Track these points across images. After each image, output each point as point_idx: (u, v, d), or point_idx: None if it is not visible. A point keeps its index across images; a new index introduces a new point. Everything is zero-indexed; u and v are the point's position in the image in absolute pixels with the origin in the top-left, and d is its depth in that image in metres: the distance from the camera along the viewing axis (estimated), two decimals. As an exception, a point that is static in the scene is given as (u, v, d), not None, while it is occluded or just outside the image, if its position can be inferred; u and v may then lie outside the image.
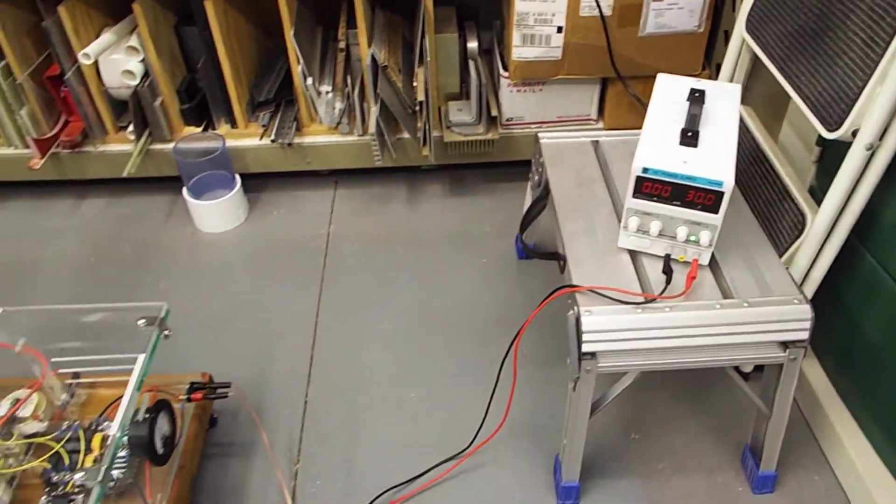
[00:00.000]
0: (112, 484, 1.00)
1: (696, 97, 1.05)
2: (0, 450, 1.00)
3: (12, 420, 1.04)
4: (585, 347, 0.95)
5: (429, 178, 1.82)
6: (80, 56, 1.48)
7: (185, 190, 1.66)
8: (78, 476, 0.90)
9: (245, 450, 1.24)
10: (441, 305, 1.50)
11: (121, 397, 1.10)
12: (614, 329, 0.95)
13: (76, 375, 1.16)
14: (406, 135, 1.63)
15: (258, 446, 1.24)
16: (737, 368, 1.23)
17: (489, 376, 1.26)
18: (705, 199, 0.95)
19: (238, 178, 1.69)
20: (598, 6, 1.46)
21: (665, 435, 1.26)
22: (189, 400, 1.12)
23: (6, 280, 1.58)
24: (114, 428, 0.91)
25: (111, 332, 1.17)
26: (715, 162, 0.95)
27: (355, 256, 1.62)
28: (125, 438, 0.97)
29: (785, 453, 1.17)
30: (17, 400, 1.06)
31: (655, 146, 0.98)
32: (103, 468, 0.87)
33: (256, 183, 1.79)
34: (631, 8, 1.48)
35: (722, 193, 0.94)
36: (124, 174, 1.63)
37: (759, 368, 1.20)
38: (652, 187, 0.96)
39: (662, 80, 1.10)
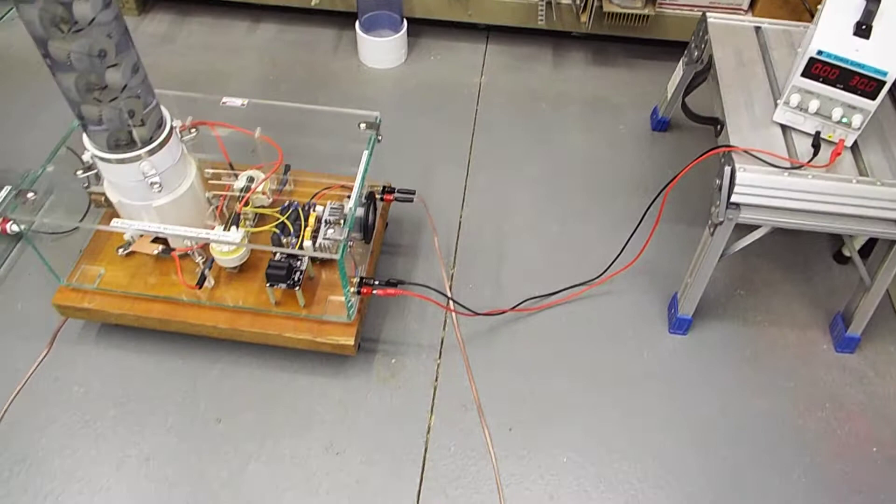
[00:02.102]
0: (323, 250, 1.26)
1: (874, -6, 1.16)
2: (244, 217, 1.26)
3: (246, 192, 1.29)
4: (734, 198, 1.13)
5: (574, 46, 1.95)
6: None
7: (357, 24, 1.83)
8: (330, 231, 1.16)
9: (410, 251, 1.49)
10: (580, 160, 1.68)
11: (325, 188, 1.35)
12: (761, 186, 1.13)
13: (288, 168, 1.39)
14: (567, 0, 1.76)
15: (420, 250, 1.49)
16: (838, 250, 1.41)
17: (618, 224, 1.47)
18: (867, 85, 1.09)
19: (405, 20, 1.85)
20: None
21: (766, 295, 1.46)
22: (382, 199, 1.36)
23: (204, 84, 1.81)
24: (352, 201, 1.15)
25: (327, 134, 1.40)
26: (883, 55, 1.08)
27: (504, 106, 1.80)
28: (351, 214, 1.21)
29: (868, 326, 1.36)
30: (252, 178, 1.30)
31: (831, 33, 1.11)
32: (346, 228, 1.12)
33: (414, 27, 1.94)
34: None
35: (884, 83, 1.07)
36: (312, 4, 1.80)
37: (862, 252, 1.37)
38: (821, 69, 1.10)
39: (843, -26, 1.20)
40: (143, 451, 1.21)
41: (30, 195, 1.19)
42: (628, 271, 1.45)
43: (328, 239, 1.18)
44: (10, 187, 1.50)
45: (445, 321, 1.38)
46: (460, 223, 1.55)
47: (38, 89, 1.81)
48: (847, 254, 1.49)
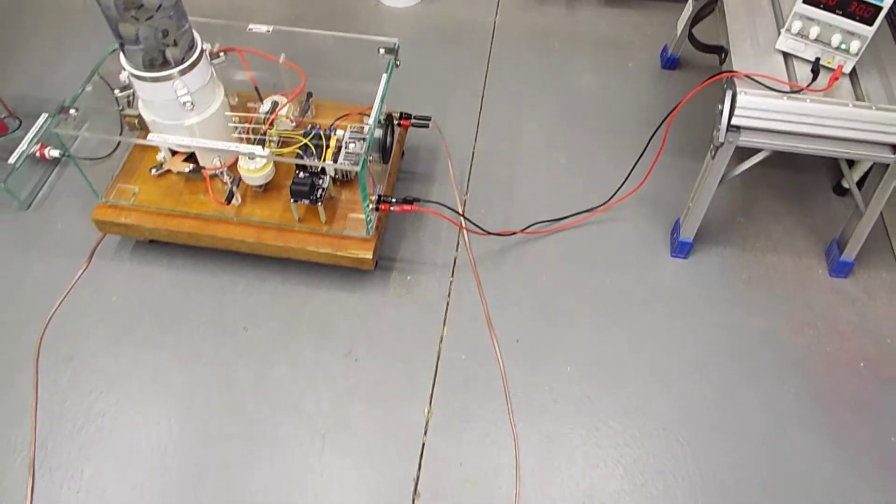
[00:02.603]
0: (343, 173, 1.33)
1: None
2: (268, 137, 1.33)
3: (270, 115, 1.36)
4: (735, 121, 1.19)
5: (587, -14, 1.99)
6: None
7: (375, -37, 1.88)
8: (351, 146, 1.23)
9: (425, 178, 1.56)
10: (590, 97, 1.74)
11: (345, 115, 1.42)
12: (761, 109, 1.18)
13: (310, 95, 1.46)
14: (580, -61, 1.79)
15: (435, 177, 1.56)
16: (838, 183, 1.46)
17: (625, 156, 1.53)
18: (865, 11, 1.13)
19: (422, -41, 1.90)
20: None
21: (766, 224, 1.52)
22: (399, 125, 1.42)
23: (228, 18, 1.87)
24: (371, 118, 1.22)
25: (347, 65, 1.46)
26: (881, -19, 1.12)
27: (517, 44, 1.85)
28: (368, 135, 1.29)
29: (863, 253, 1.42)
30: (276, 103, 1.37)
31: (832, -39, 1.15)
32: (366, 144, 1.19)
33: (431, -32, 1.99)
34: None
35: (881, 8, 1.12)
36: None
37: (860, 184, 1.42)
38: (822, -5, 1.15)
39: None
40: (177, 354, 1.30)
41: (72, 112, 1.26)
42: (633, 200, 1.51)
43: (349, 156, 1.25)
44: (47, 114, 1.58)
45: (458, 242, 1.46)
46: (473, 153, 1.61)
47: (69, 28, 1.88)
48: (846, 185, 1.54)
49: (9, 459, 1.19)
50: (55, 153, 1.55)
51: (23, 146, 1.53)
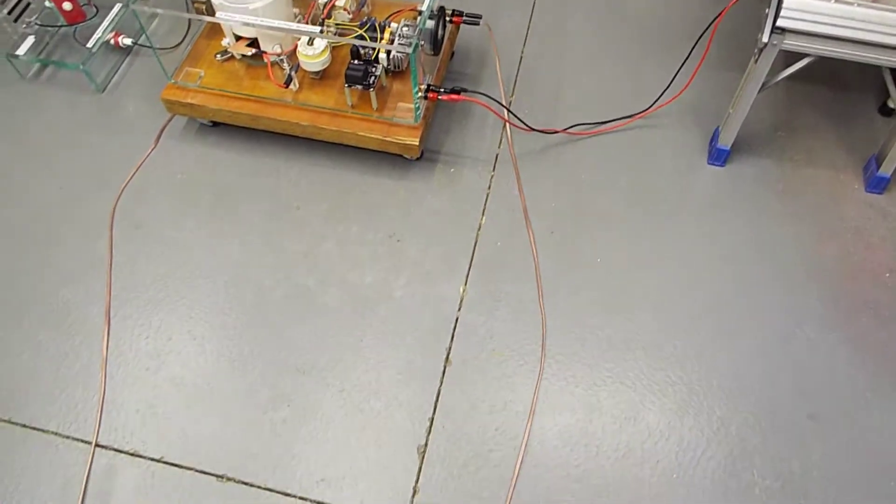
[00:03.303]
0: (395, 63, 1.40)
1: None
2: (326, 26, 1.40)
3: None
4: (780, 22, 1.21)
5: None
6: None
7: None
8: (405, 30, 1.30)
9: (473, 79, 1.62)
10: (642, 9, 1.76)
11: (399, 10, 1.47)
12: (807, 11, 1.20)
13: (366, -10, 1.52)
14: None
15: (483, 79, 1.62)
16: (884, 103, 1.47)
17: (669, 65, 1.55)
18: (923, -88, 1.13)
19: None
20: None
21: (806, 138, 1.54)
22: (451, 21, 1.48)
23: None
24: (424, 6, 1.27)
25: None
26: None
27: (572, -44, 1.86)
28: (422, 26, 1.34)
29: (902, 171, 1.44)
30: (334, -6, 1.43)
31: None
32: (419, 27, 1.25)
33: None
34: None
35: None
36: None
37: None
38: None
39: None
40: (234, 227, 1.42)
41: (146, -8, 1.35)
42: (674, 108, 1.55)
43: (402, 42, 1.31)
44: (121, 3, 1.68)
45: (501, 139, 1.53)
46: (522, 56, 1.66)
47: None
48: (892, 105, 1.54)
49: (90, 307, 1.33)
50: (128, 41, 1.66)
51: (99, 32, 1.64)
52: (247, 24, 1.33)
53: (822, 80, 1.62)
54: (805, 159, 1.51)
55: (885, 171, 1.43)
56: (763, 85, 1.33)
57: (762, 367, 1.25)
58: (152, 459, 1.18)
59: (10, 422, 1.22)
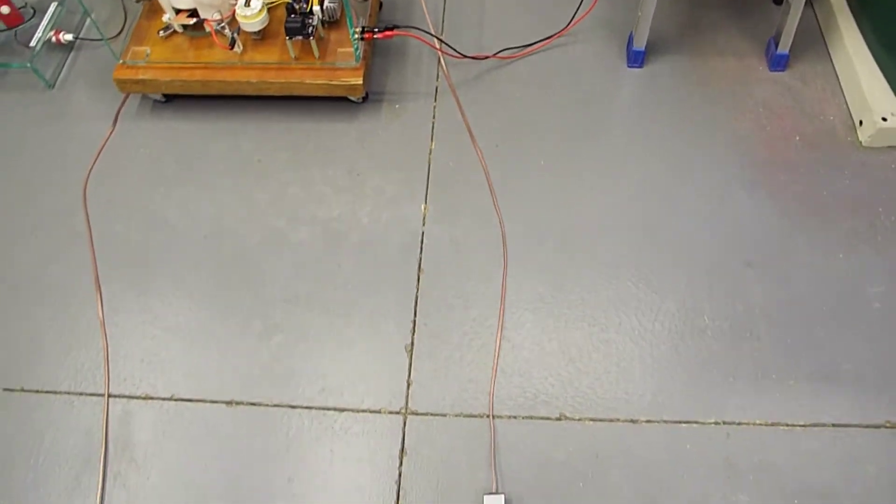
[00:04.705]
0: (329, 14, 1.50)
1: None
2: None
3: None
4: (665, -80, 1.35)
5: None
6: None
7: None
8: None
9: (404, 20, 1.73)
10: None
11: (326, -33, 1.57)
12: None
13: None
14: None
15: (413, 16, 1.73)
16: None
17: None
18: None
19: None
20: None
21: (710, 32, 1.70)
22: (374, -30, 1.59)
23: None
24: (348, -48, 1.38)
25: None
26: None
27: None
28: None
29: (799, 50, 1.60)
30: (262, -43, 1.53)
31: None
32: (346, -26, 1.36)
33: None
34: None
35: None
36: None
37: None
38: None
39: None
40: (202, 187, 1.51)
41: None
42: (590, 23, 1.69)
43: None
44: (56, 2, 1.75)
45: (438, 72, 1.65)
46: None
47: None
48: (782, -7, 1.71)
49: (79, 279, 1.40)
50: (69, 37, 1.73)
51: (40, 32, 1.70)
52: (184, -5, 1.43)
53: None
54: (712, 51, 1.66)
55: (783, 48, 1.59)
56: (662, -17, 1.47)
57: (701, 229, 1.40)
58: (164, 399, 1.27)
59: (23, 390, 1.29)
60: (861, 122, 1.50)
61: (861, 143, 1.50)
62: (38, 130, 1.63)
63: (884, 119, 1.45)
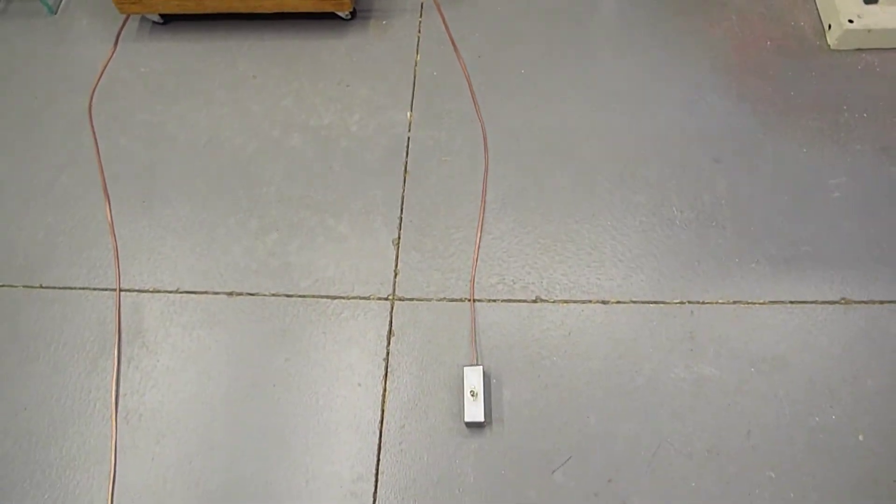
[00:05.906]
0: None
1: None
2: None
3: None
4: None
5: None
6: None
7: None
8: None
9: (390, -55, 1.79)
10: None
11: None
12: None
13: None
14: None
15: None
16: None
17: None
18: None
19: None
20: None
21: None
22: None
23: None
24: None
25: None
26: None
27: None
28: None
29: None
30: None
31: None
32: None
33: None
34: None
35: None
36: None
37: None
38: None
39: None
40: (201, 103, 1.59)
41: None
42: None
43: None
44: (55, -71, 1.81)
45: (423, -11, 1.72)
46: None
47: None
48: None
49: (88, 188, 1.50)
50: (69, -36, 1.79)
51: (41, -41, 1.77)
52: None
53: None
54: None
55: (756, -44, 1.63)
56: None
57: (672, 129, 1.47)
58: (169, 292, 1.38)
59: (41, 286, 1.40)
60: (829, 26, 1.55)
61: (829, 46, 1.55)
62: (43, 53, 1.71)
63: (850, 21, 1.50)
